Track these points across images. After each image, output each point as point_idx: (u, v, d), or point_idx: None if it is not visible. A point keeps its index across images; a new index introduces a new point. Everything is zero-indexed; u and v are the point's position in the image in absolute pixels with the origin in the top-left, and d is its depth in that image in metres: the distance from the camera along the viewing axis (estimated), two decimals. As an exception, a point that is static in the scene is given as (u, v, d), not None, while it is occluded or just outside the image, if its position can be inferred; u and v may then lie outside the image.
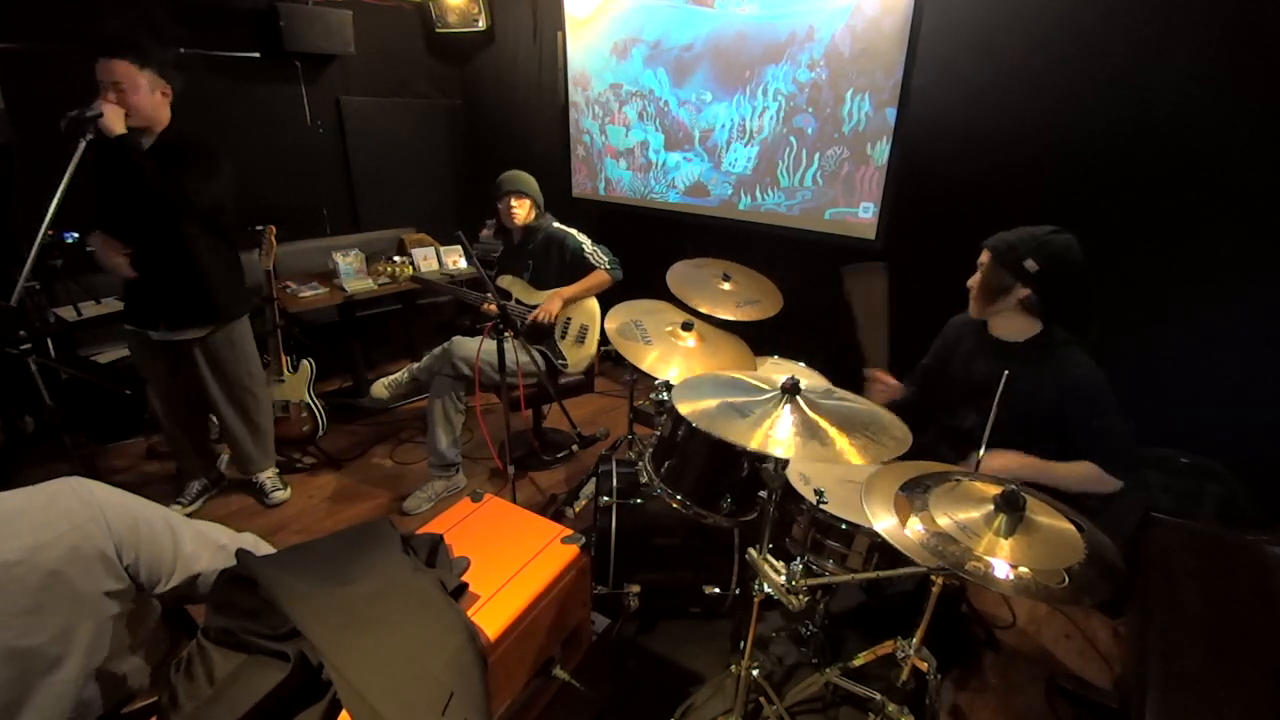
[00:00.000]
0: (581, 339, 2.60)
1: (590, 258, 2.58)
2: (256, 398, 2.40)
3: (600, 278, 2.58)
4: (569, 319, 2.59)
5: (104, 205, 1.99)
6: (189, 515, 2.44)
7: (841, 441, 1.09)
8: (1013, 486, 1.05)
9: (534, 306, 2.59)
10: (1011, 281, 1.55)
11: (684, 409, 1.20)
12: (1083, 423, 1.51)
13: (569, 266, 2.58)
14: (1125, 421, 1.50)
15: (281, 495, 2.55)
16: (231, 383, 2.29)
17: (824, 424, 1.13)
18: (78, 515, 0.96)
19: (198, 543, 1.14)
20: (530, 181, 2.61)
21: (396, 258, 2.86)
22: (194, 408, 2.37)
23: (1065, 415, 1.53)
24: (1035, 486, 1.47)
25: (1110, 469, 1.48)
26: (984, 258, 1.63)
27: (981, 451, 1.37)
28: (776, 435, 1.10)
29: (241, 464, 2.51)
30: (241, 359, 2.30)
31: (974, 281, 1.65)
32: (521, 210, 2.59)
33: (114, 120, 1.79)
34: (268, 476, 2.54)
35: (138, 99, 1.85)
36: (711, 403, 1.21)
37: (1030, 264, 1.51)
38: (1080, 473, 1.50)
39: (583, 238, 2.63)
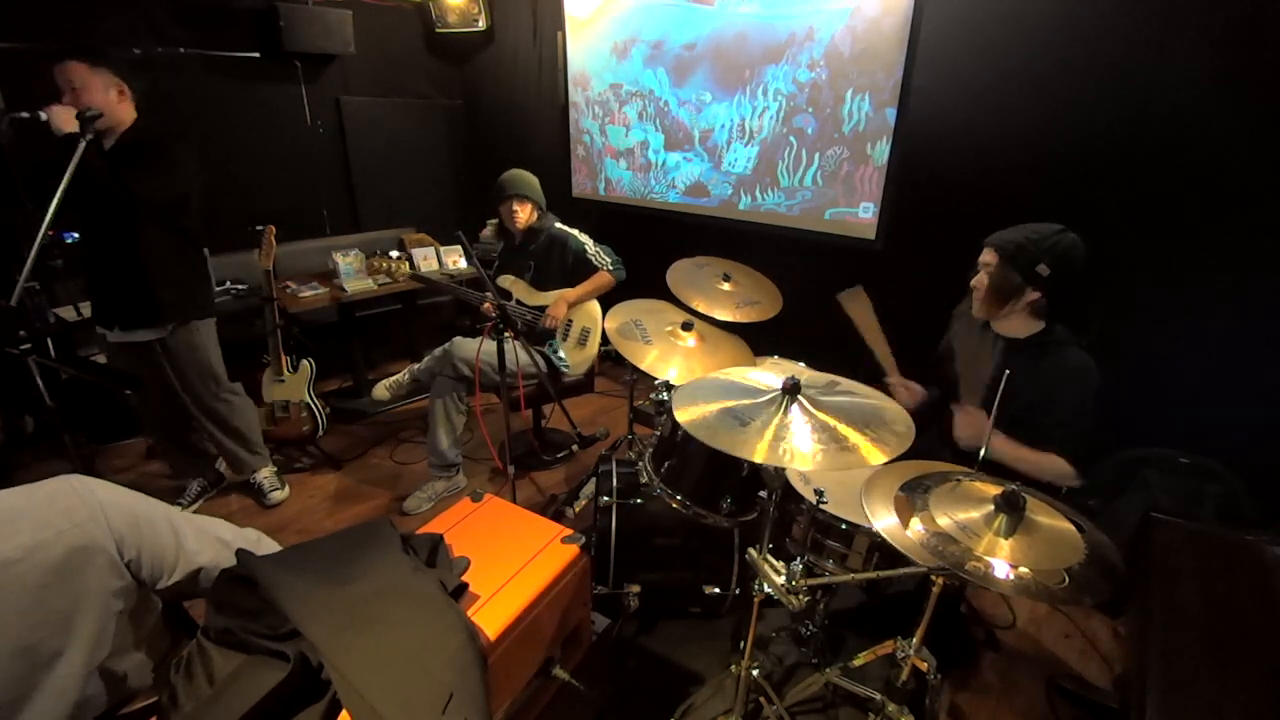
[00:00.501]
0: (583, 341, 2.60)
1: (593, 259, 2.57)
2: (229, 403, 2.36)
3: (603, 279, 2.58)
4: (570, 321, 2.59)
5: (60, 203, 1.96)
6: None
7: (855, 436, 1.07)
8: (1013, 486, 1.05)
9: (535, 307, 2.59)
10: (1022, 285, 1.53)
11: (683, 417, 1.17)
12: (1064, 419, 1.51)
13: (571, 268, 2.58)
14: (1092, 416, 1.51)
15: (279, 495, 2.55)
16: (196, 389, 2.26)
17: (832, 421, 1.11)
18: (78, 513, 0.96)
19: (199, 538, 1.14)
20: (532, 183, 2.60)
21: (393, 253, 2.85)
22: (172, 409, 2.32)
23: (1050, 408, 1.52)
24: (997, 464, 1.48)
25: (1072, 461, 1.49)
26: (989, 258, 1.58)
27: (982, 454, 1.37)
28: (780, 445, 1.07)
29: (232, 467, 2.51)
30: (203, 364, 2.25)
31: (980, 283, 1.61)
32: (523, 213, 2.58)
33: (62, 119, 1.79)
34: (264, 476, 2.54)
35: (91, 98, 1.85)
36: (711, 410, 1.17)
37: (1043, 268, 1.49)
38: (1051, 465, 1.49)
39: (585, 238, 2.62)
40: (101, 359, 2.88)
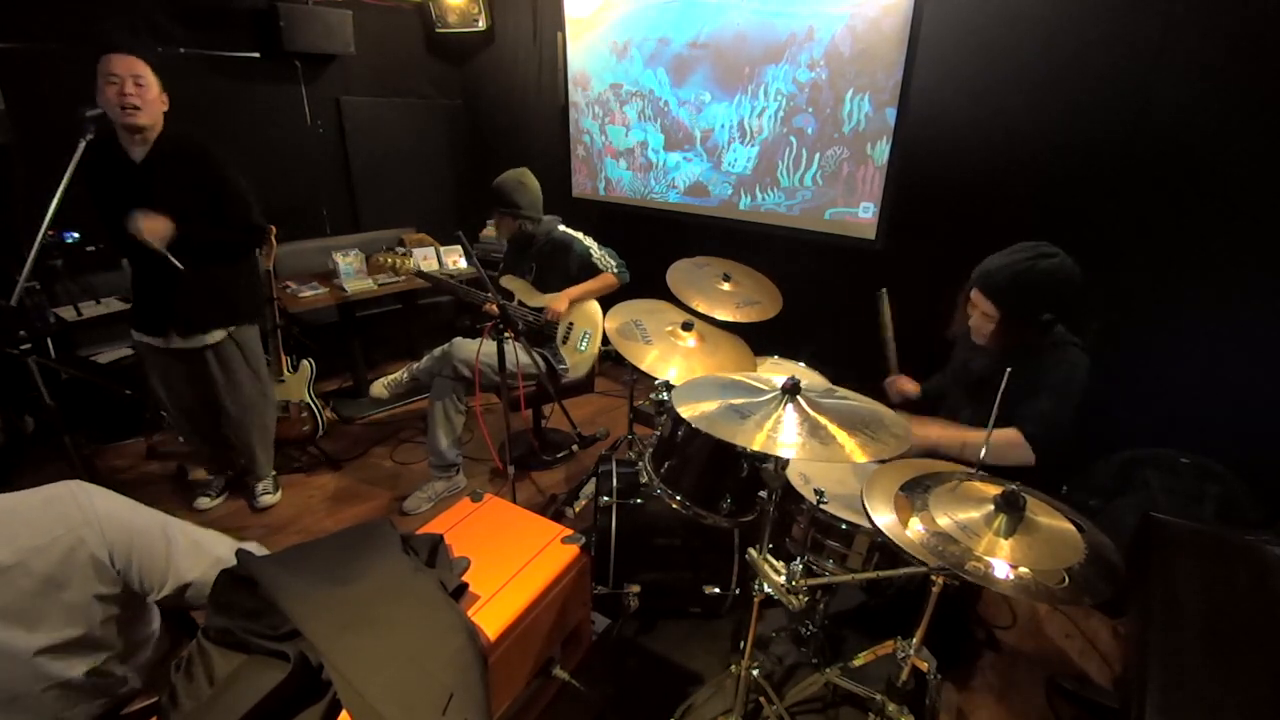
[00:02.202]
0: (582, 345, 2.59)
1: (598, 262, 2.58)
2: (266, 398, 2.42)
3: (607, 280, 2.58)
4: (571, 324, 2.58)
5: (123, 211, 1.93)
6: (214, 509, 2.48)
7: (845, 440, 1.08)
8: (1013, 486, 1.05)
9: (536, 308, 2.59)
10: (1028, 333, 1.54)
11: (685, 412, 1.19)
12: (1034, 396, 1.51)
13: (575, 273, 2.58)
14: (1069, 417, 1.50)
15: (270, 499, 2.53)
16: (245, 388, 2.29)
17: (826, 422, 1.12)
18: (73, 520, 0.96)
19: (193, 554, 1.13)
20: (509, 194, 2.52)
21: (398, 248, 2.84)
22: (211, 410, 2.35)
23: (1034, 392, 1.52)
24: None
25: (1031, 440, 1.48)
26: (988, 308, 1.55)
27: (982, 454, 1.37)
28: (778, 436, 1.09)
29: (248, 467, 2.50)
30: (255, 363, 2.32)
31: (981, 327, 1.60)
32: (497, 227, 2.62)
33: (157, 232, 1.85)
34: (263, 480, 2.53)
35: (152, 97, 1.86)
36: (712, 405, 1.20)
37: (1047, 316, 1.51)
38: (1000, 438, 1.48)
39: (589, 242, 2.62)
40: (103, 359, 2.89)
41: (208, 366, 2.19)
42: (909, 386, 1.94)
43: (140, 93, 1.82)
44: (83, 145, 1.71)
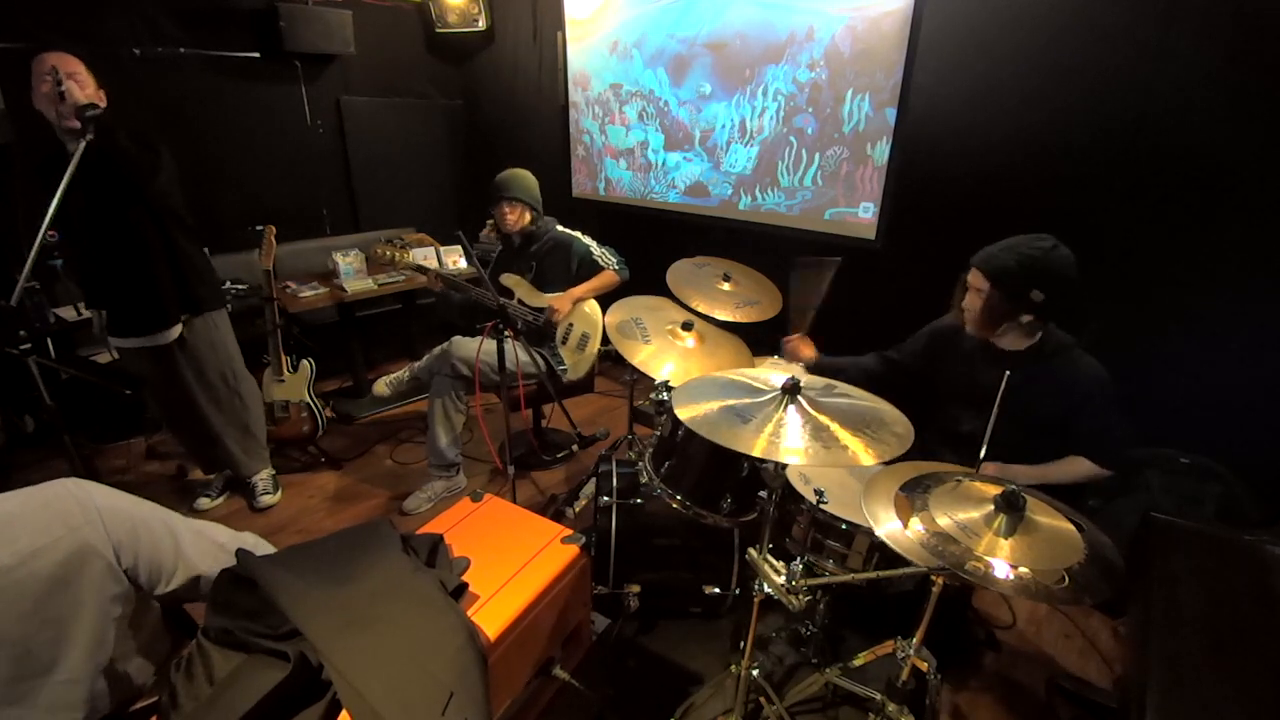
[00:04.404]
0: (582, 346, 2.59)
1: (599, 260, 2.58)
2: (242, 397, 2.37)
3: (609, 278, 2.59)
4: (571, 325, 2.58)
5: (63, 214, 1.88)
6: (215, 509, 2.45)
7: (852, 443, 1.08)
8: (1013, 486, 1.05)
9: (536, 308, 2.59)
10: (1017, 309, 1.54)
11: (684, 415, 1.18)
12: (1080, 422, 1.54)
13: (576, 273, 2.58)
14: (1123, 417, 1.53)
15: (270, 499, 2.52)
16: (212, 383, 2.27)
17: (829, 423, 1.12)
18: (75, 519, 0.96)
19: (198, 543, 1.14)
20: (526, 185, 2.55)
21: (396, 240, 2.83)
22: (190, 408, 2.34)
23: (1066, 416, 1.55)
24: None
25: (1101, 463, 1.54)
26: (979, 282, 1.57)
27: (982, 453, 1.37)
28: (781, 441, 1.08)
29: (230, 467, 2.49)
30: (223, 357, 2.28)
31: (971, 305, 1.61)
32: (513, 216, 2.56)
33: (78, 93, 1.79)
34: (261, 478, 2.53)
35: (89, 94, 1.85)
36: (713, 408, 1.18)
37: (1037, 294, 1.50)
38: (1072, 470, 1.55)
39: (589, 240, 2.62)
40: (103, 359, 2.89)
41: (177, 364, 2.18)
42: (807, 351, 1.96)
43: (78, 89, 1.80)
44: (83, 145, 1.71)
